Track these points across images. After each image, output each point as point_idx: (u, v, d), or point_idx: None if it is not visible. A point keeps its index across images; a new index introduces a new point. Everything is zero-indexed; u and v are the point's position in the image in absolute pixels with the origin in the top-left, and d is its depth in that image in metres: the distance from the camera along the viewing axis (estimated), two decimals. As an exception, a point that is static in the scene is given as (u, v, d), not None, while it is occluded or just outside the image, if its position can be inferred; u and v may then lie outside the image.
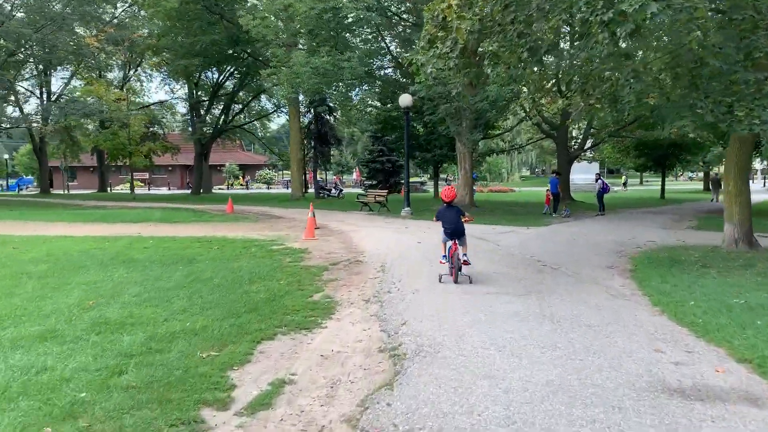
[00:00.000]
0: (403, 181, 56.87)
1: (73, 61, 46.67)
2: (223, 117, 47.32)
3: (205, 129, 44.71)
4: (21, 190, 70.79)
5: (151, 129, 51.58)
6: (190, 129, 48.09)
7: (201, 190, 52.11)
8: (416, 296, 8.17)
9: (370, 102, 29.43)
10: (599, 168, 57.61)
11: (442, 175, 60.93)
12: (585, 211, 26.81)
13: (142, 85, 56.12)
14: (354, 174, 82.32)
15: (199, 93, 47.35)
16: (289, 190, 38.10)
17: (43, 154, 47.72)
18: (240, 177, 73.21)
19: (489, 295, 8.21)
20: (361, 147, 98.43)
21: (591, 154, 46.93)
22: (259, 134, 56.63)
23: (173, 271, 9.86)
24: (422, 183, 60.99)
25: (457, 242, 9.13)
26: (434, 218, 9.79)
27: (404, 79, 27.18)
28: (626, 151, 39.98)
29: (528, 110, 32.36)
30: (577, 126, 39.03)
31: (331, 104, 42.89)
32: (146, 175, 78.17)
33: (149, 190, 70.55)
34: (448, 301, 7.90)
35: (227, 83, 49.02)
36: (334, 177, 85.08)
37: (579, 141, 36.32)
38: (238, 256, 11.59)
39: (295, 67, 21.47)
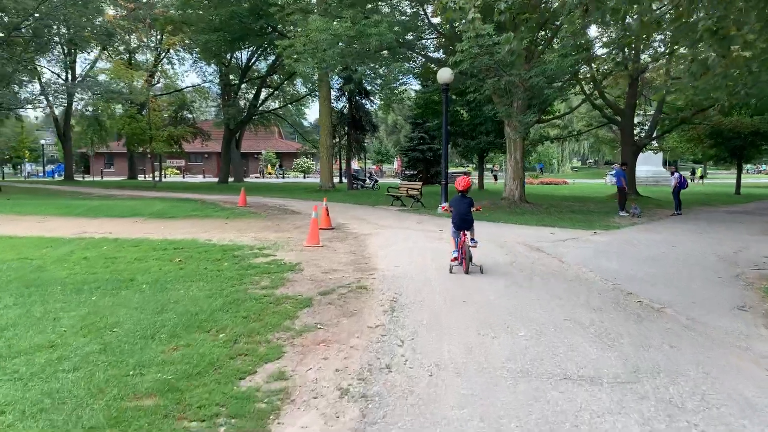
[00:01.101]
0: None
1: (97, 42, 44.55)
2: (253, 101, 44.33)
3: (233, 113, 41.78)
4: (60, 175, 70.37)
5: (180, 114, 49.31)
6: (221, 114, 45.49)
7: (230, 179, 49.56)
8: (437, 385, 4.60)
9: (403, 79, 25.71)
10: (661, 159, 52.56)
11: (487, 165, 56.93)
12: (655, 209, 22.72)
13: (173, 68, 53.69)
14: (395, 163, 78.74)
15: (231, 77, 44.50)
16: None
17: (67, 139, 45.74)
18: (270, 166, 70.49)
19: (561, 381, 4.59)
20: (404, 136, 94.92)
21: (656, 144, 42.17)
22: (296, 120, 53.50)
23: (78, 304, 6.58)
24: (466, 173, 57.06)
25: (466, 233, 9.11)
26: (448, 207, 9.63)
27: (447, 56, 23.43)
28: (698, 139, 35.25)
29: (591, 87, 28.18)
30: (644, 111, 34.54)
31: (367, 87, 39.42)
32: (182, 163, 76.54)
33: (183, 178, 68.62)
34: (507, 404, 4.31)
35: (259, 65, 46.15)
36: (375, 166, 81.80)
37: (646, 128, 31.83)
38: (195, 276, 8.24)
39: (313, 34, 17.99)
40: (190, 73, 56.82)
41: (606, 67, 30.10)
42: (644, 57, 27.73)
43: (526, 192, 23.14)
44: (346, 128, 37.55)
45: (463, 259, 8.90)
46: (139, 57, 54.80)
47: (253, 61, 43.17)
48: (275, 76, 46.03)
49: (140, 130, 34.29)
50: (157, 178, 45.18)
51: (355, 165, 60.72)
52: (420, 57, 25.33)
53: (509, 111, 20.20)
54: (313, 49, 18.71)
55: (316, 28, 17.74)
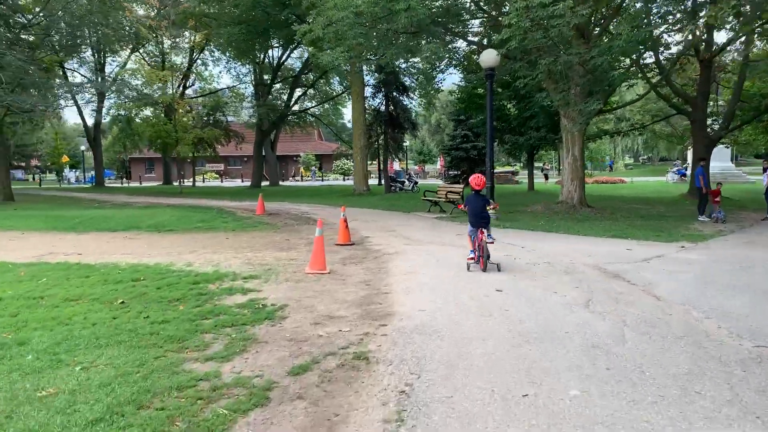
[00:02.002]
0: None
1: (126, 44, 43.11)
2: (287, 100, 42.06)
3: (264, 113, 39.60)
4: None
5: (213, 116, 47.52)
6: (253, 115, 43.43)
7: (265, 183, 47.50)
8: None
9: (440, 65, 22.81)
10: (730, 154, 47.93)
11: (537, 164, 53.24)
12: (737, 211, 19.29)
13: (207, 69, 52.03)
14: (438, 163, 75.65)
15: (265, 77, 42.37)
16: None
17: (97, 145, 44.39)
18: (304, 169, 68.35)
19: None
20: (447, 134, 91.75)
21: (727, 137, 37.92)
22: (332, 120, 51.06)
23: None
24: (514, 173, 53.44)
25: (483, 230, 8.93)
26: (464, 206, 9.49)
27: (491, 36, 20.44)
28: (779, 131, 31.16)
29: (656, 74, 24.70)
30: (715, 100, 30.65)
31: (405, 81, 36.61)
32: (221, 167, 75.27)
33: (222, 182, 67.19)
34: None
35: (293, 63, 43.94)
36: (417, 167, 78.84)
37: (719, 119, 28.04)
38: (123, 333, 5.59)
39: (331, 13, 15.27)
40: (224, 74, 55.70)
41: (673, 50, 26.54)
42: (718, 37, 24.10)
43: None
44: (383, 127, 34.81)
45: (481, 257, 8.87)
46: (174, 59, 53.54)
47: (284, 58, 40.91)
48: (310, 75, 43.74)
49: (165, 133, 32.37)
50: (188, 183, 43.51)
51: (396, 166, 58.01)
52: (459, 40, 22.30)
53: (567, 98, 17.08)
54: (334, 32, 16.00)
55: (334, 5, 15.02)
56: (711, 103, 28.06)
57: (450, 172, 48.12)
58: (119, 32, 40.39)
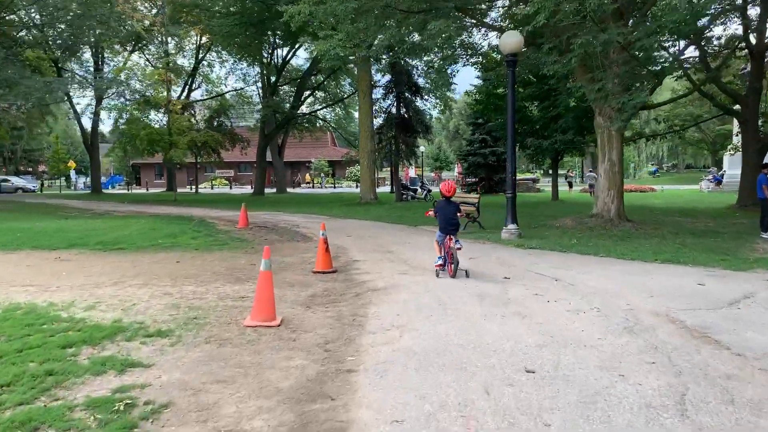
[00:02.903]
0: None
1: (125, 42, 40.97)
2: (293, 102, 39.48)
3: (267, 115, 37.08)
4: (113, 187, 68.25)
5: (217, 119, 45.18)
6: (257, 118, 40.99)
7: (271, 190, 45.06)
8: None
9: (452, 52, 20.05)
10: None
11: (560, 171, 50.24)
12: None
13: (212, 70, 49.68)
14: (455, 170, 72.68)
15: (272, 79, 39.82)
16: (380, 190, 29.32)
17: (94, 149, 42.14)
18: (309, 175, 65.87)
19: None
20: (465, 138, 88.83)
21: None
22: (342, 123, 48.38)
23: None
24: (534, 180, 50.34)
25: (451, 237, 8.78)
26: (433, 213, 9.35)
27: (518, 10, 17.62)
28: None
29: (698, 70, 21.71)
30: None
31: (419, 81, 33.89)
32: (231, 173, 73.03)
33: (231, 188, 64.87)
34: None
35: (300, 63, 41.43)
36: (433, 173, 75.92)
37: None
38: None
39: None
40: (230, 76, 53.22)
41: (717, 43, 23.51)
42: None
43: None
44: (393, 130, 32.08)
45: (450, 263, 8.78)
46: (181, 61, 51.41)
47: (289, 56, 38.39)
48: (320, 76, 41.14)
49: (157, 135, 29.91)
50: (188, 189, 41.12)
51: (412, 172, 55.19)
52: (473, 23, 19.50)
53: (604, 91, 14.16)
54: (324, 11, 13.28)
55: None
56: (764, 103, 24.88)
57: (467, 180, 45.25)
58: (117, 29, 38.31)
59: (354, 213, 21.59)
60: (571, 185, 45.82)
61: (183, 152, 30.15)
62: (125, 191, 55.41)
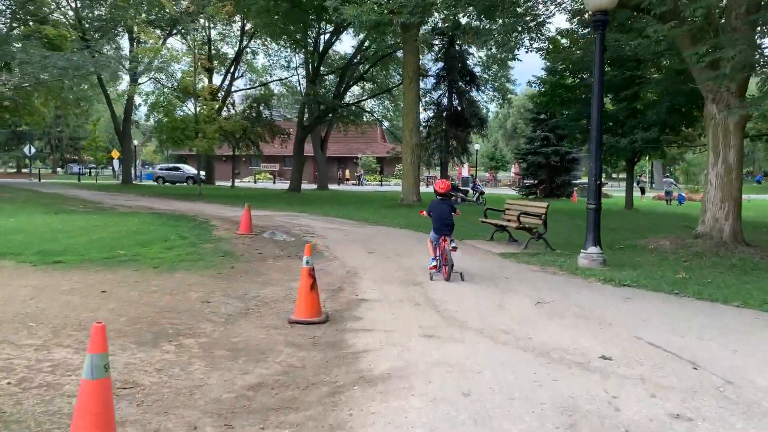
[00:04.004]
0: (576, 183, 42.10)
1: (163, 27, 38.69)
2: (335, 92, 36.21)
3: (309, 102, 33.99)
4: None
5: (257, 110, 42.46)
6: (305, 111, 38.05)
7: (307, 186, 42.06)
8: None
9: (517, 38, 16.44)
10: None
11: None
12: None
13: (254, 57, 47.10)
14: (512, 170, 68.20)
15: (315, 66, 36.68)
16: (429, 189, 25.70)
17: (126, 137, 39.94)
18: (348, 171, 62.56)
19: None
20: (525, 141, 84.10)
21: None
22: (388, 116, 44.91)
23: None
24: (601, 185, 45.58)
25: (446, 237, 8.41)
26: (427, 213, 8.88)
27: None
28: None
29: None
30: None
31: (474, 69, 30.09)
32: (276, 167, 70.54)
33: (274, 183, 62.34)
34: None
35: (345, 50, 38.21)
36: (487, 174, 71.64)
37: None
38: None
39: None
40: (272, 64, 50.78)
41: None
42: None
43: (696, 214, 12.66)
44: (444, 123, 28.38)
45: (444, 265, 8.39)
46: (225, 49, 49.13)
47: (332, 40, 35.09)
48: (367, 66, 37.75)
49: (183, 123, 27.14)
50: (200, 185, 38.51)
51: (465, 171, 51.25)
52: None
53: (726, 62, 10.19)
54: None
55: None
56: None
57: (524, 182, 41.12)
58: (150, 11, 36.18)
59: (389, 217, 18.07)
60: (643, 191, 41.11)
61: (209, 142, 27.21)
62: (157, 183, 53.41)
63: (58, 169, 71.69)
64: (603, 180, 56.25)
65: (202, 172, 46.85)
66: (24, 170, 64.31)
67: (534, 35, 26.58)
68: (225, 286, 7.64)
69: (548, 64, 34.54)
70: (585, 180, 49.38)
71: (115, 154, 54.15)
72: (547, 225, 11.43)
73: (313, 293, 6.12)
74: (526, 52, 26.81)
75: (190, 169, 51.32)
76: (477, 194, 28.30)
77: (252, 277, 8.41)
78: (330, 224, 16.15)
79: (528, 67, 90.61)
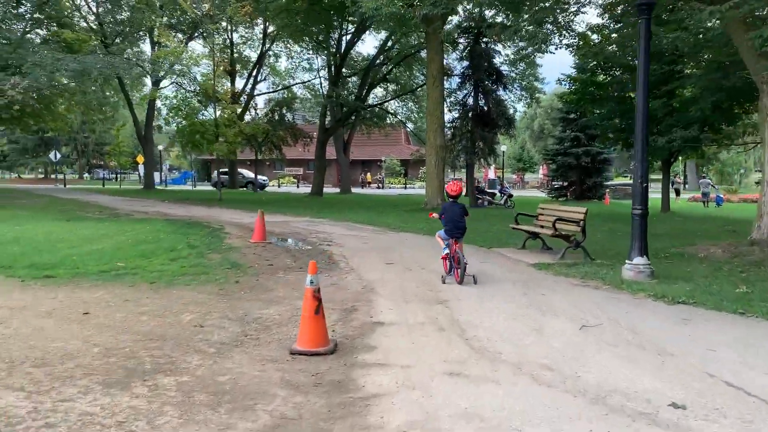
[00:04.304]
0: (608, 184, 40.57)
1: (185, 30, 38.35)
2: (357, 93, 35.35)
3: (332, 103, 33.24)
4: (185, 183, 66.81)
5: (279, 113, 41.90)
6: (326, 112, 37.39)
7: (330, 190, 41.29)
8: None
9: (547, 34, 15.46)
10: None
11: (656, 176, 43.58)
12: None
13: (276, 60, 46.57)
14: (540, 172, 66.65)
15: (336, 67, 35.89)
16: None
17: (148, 142, 39.62)
18: (369, 174, 61.57)
19: None
20: (552, 141, 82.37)
21: None
22: (412, 117, 43.90)
23: None
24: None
25: (457, 240, 8.30)
26: (439, 215, 8.76)
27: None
28: None
29: None
30: None
31: (500, 68, 28.98)
32: (300, 171, 70.00)
33: (298, 187, 61.80)
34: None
35: (367, 51, 37.38)
36: (515, 175, 70.20)
37: None
38: None
39: None
40: (294, 66, 49.97)
41: None
42: None
43: (738, 217, 11.46)
44: (469, 123, 27.32)
45: (456, 268, 8.23)
46: (248, 53, 48.74)
47: (354, 40, 34.26)
48: (390, 66, 36.83)
49: (203, 127, 26.54)
50: (220, 189, 37.93)
51: (492, 173, 50.01)
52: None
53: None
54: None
55: None
56: None
57: (553, 183, 39.81)
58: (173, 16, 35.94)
59: (412, 223, 17.12)
60: (678, 193, 39.50)
61: (229, 146, 26.55)
62: (189, 187, 53.17)
63: (85, 175, 72.15)
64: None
65: (264, 177, 45.83)
66: (51, 176, 64.79)
67: (563, 31, 25.49)
68: (225, 306, 6.78)
69: (578, 61, 33.31)
70: (617, 182, 47.84)
71: (140, 159, 54.10)
72: (585, 232, 10.36)
73: (319, 319, 5.21)
74: (556, 48, 25.52)
75: (249, 174, 50.42)
76: (505, 197, 27.19)
77: (257, 293, 7.54)
78: (349, 231, 15.27)
79: (558, 66, 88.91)
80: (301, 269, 9.35)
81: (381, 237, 13.85)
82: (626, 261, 8.84)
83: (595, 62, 25.08)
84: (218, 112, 28.26)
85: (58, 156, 48.91)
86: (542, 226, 11.66)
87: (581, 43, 24.66)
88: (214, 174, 53.20)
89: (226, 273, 8.82)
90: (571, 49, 27.06)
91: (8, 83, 15.60)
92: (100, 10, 39.12)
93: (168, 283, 7.96)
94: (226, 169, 51.53)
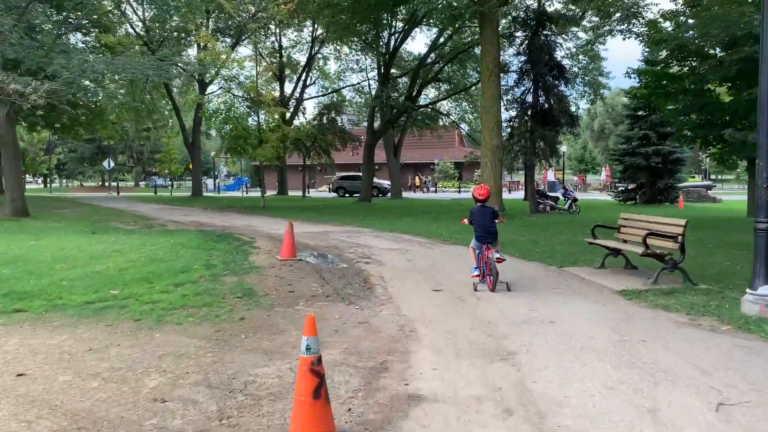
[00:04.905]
0: (680, 186, 37.39)
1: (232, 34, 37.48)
2: (407, 93, 33.54)
3: (383, 107, 31.61)
4: (239, 189, 66.49)
5: (327, 116, 40.60)
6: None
7: (382, 195, 39.66)
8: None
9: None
10: None
11: (727, 176, 39.91)
12: None
13: (325, 62, 45.36)
14: (602, 174, 63.14)
15: (385, 66, 34.20)
16: (511, 195, 22.43)
17: (195, 148, 38.84)
18: (418, 178, 59.30)
19: None
20: (614, 141, 78.42)
21: None
22: (467, 118, 41.77)
23: None
24: (708, 188, 40.48)
25: (489, 246, 7.95)
26: (468, 221, 8.38)
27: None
28: None
29: None
30: None
31: (562, 61, 26.71)
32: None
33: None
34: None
35: (418, 47, 35.53)
36: (576, 177, 66.86)
37: None
38: None
39: None
40: (343, 68, 48.29)
41: None
42: None
43: None
44: (528, 122, 25.10)
45: (488, 275, 7.90)
46: (296, 56, 47.75)
47: (404, 36, 32.47)
48: (441, 64, 34.86)
49: (245, 132, 25.28)
50: (304, 193, 36.75)
51: (551, 175, 47.29)
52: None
53: None
54: None
55: None
56: None
57: (619, 186, 37.06)
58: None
59: (468, 232, 15.10)
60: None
61: (271, 151, 25.16)
62: (241, 194, 52.53)
63: (141, 183, 72.93)
64: (710, 181, 50.54)
65: (386, 182, 43.24)
66: (107, 184, 65.62)
67: (632, 19, 23.10)
68: (211, 360, 5.07)
69: (648, 51, 30.62)
70: (690, 183, 44.31)
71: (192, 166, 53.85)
72: (685, 249, 8.22)
73: (319, 405, 3.41)
74: (623, 38, 23.29)
75: (377, 180, 47.69)
76: (569, 201, 24.83)
77: (262, 337, 5.82)
78: (394, 243, 13.46)
79: (622, 61, 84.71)
80: (327, 298, 7.60)
81: (429, 252, 11.98)
82: (748, 290, 6.72)
83: (668, 52, 22.73)
84: (262, 116, 26.95)
85: (112, 164, 48.96)
86: (625, 241, 9.57)
87: (652, 32, 22.44)
88: (334, 177, 50.92)
89: (234, 304, 7.15)
90: (641, 37, 24.60)
91: (30, 87, 14.51)
92: (148, 15, 38.81)
93: (157, 321, 6.33)
94: (351, 173, 49.27)
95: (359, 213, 23.27)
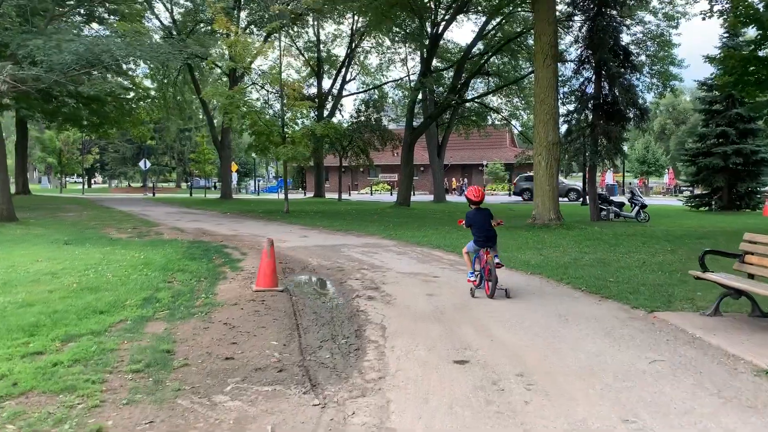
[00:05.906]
0: (763, 191, 32.79)
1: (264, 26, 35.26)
2: (451, 86, 30.41)
3: (426, 99, 28.68)
4: (280, 190, 64.71)
5: (366, 114, 37.92)
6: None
7: (422, 197, 36.60)
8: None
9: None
10: None
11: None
12: None
13: (366, 57, 42.71)
14: (665, 176, 58.30)
15: (428, 55, 31.12)
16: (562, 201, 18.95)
17: (224, 147, 36.59)
18: (455, 181, 55.78)
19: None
20: (675, 142, 72.94)
21: None
22: (518, 114, 38.24)
23: None
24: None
25: (488, 250, 7.64)
26: (465, 224, 8.09)
27: None
28: None
29: None
30: None
31: (628, 46, 23.13)
32: (395, 177, 65.81)
33: (391, 195, 57.68)
34: None
35: (464, 37, 32.38)
36: (637, 180, 62.17)
37: None
38: None
39: None
40: (385, 62, 45.42)
41: None
42: None
43: None
44: (589, 116, 21.64)
45: (487, 280, 7.62)
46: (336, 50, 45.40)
47: (442, 25, 29.36)
48: (490, 54, 31.59)
49: (267, 128, 22.63)
50: (340, 196, 34.04)
51: (609, 178, 43.24)
52: None
53: None
54: None
55: None
56: None
57: (690, 190, 32.98)
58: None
59: (515, 249, 12.02)
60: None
61: (295, 149, 22.41)
62: (277, 197, 50.41)
63: (184, 184, 71.89)
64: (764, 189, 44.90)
65: (576, 183, 39.30)
66: (148, 184, 64.76)
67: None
68: None
69: (725, 38, 26.96)
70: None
71: (234, 167, 52.00)
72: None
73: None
74: (703, 18, 19.71)
75: (570, 182, 43.49)
76: (637, 207, 21.24)
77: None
78: (418, 264, 10.44)
79: (693, 51, 79.32)
80: (280, 373, 4.67)
81: (462, 281, 8.79)
82: None
83: (760, 31, 19.33)
84: (287, 112, 24.31)
85: (148, 165, 47.54)
86: (752, 276, 6.33)
87: (739, 7, 19.02)
88: (517, 179, 46.61)
89: (114, 389, 4.30)
90: (725, 15, 21.31)
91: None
92: (180, 10, 37.03)
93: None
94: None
95: (390, 220, 20.30)
